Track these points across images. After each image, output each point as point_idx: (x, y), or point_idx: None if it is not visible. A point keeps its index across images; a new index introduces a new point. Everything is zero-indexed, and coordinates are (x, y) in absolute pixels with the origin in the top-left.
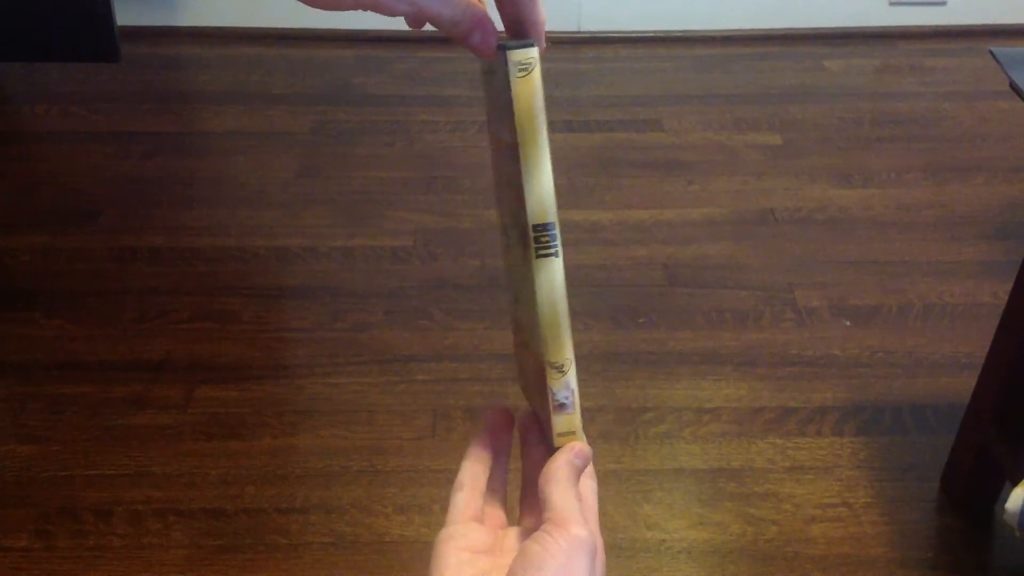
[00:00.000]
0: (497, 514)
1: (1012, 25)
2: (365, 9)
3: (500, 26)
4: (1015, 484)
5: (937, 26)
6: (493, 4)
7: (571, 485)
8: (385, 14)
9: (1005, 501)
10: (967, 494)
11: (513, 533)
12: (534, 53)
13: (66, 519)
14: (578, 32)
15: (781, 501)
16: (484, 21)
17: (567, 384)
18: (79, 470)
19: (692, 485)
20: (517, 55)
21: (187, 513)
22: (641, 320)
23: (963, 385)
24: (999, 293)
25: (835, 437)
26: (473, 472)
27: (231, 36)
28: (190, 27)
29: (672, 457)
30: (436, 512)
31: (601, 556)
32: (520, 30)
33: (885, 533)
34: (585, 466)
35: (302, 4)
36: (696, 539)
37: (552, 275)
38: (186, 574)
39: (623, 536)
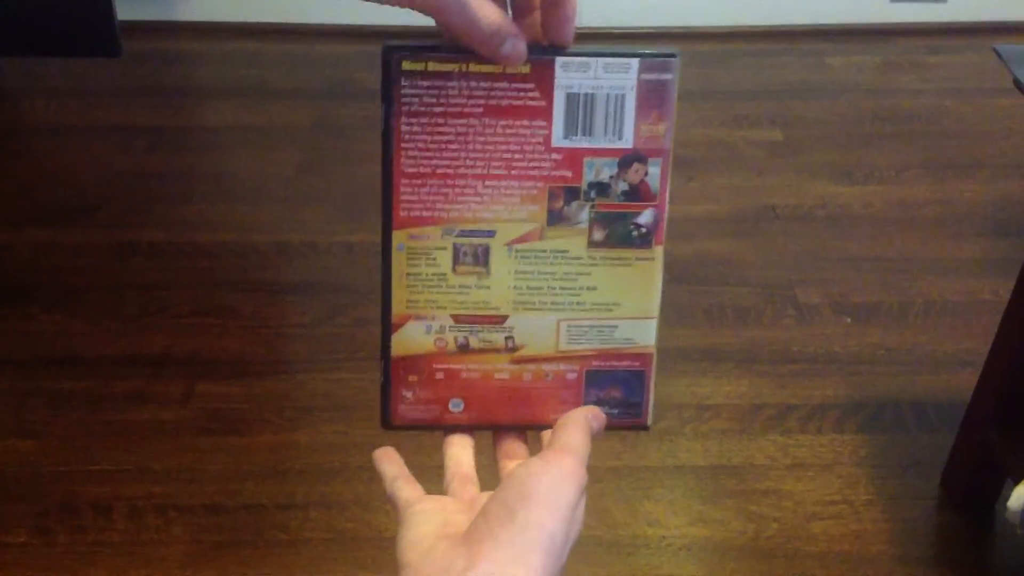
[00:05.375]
0: (464, 481)
1: (1013, 22)
2: (403, 4)
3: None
4: (1016, 482)
5: (938, 23)
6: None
7: (586, 430)
8: (427, 7)
9: (1006, 499)
10: (968, 492)
11: (487, 496)
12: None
13: (66, 514)
14: (578, 28)
15: (782, 498)
16: (518, 29)
17: None
18: (79, 465)
19: (693, 482)
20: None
21: (187, 509)
22: None
23: (964, 382)
24: (1000, 291)
25: (836, 434)
26: (397, 468)
27: (231, 31)
28: (190, 22)
29: (673, 454)
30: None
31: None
32: (551, 8)
33: (886, 530)
34: (599, 430)
35: None
36: (697, 536)
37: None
38: (186, 569)
39: (624, 533)
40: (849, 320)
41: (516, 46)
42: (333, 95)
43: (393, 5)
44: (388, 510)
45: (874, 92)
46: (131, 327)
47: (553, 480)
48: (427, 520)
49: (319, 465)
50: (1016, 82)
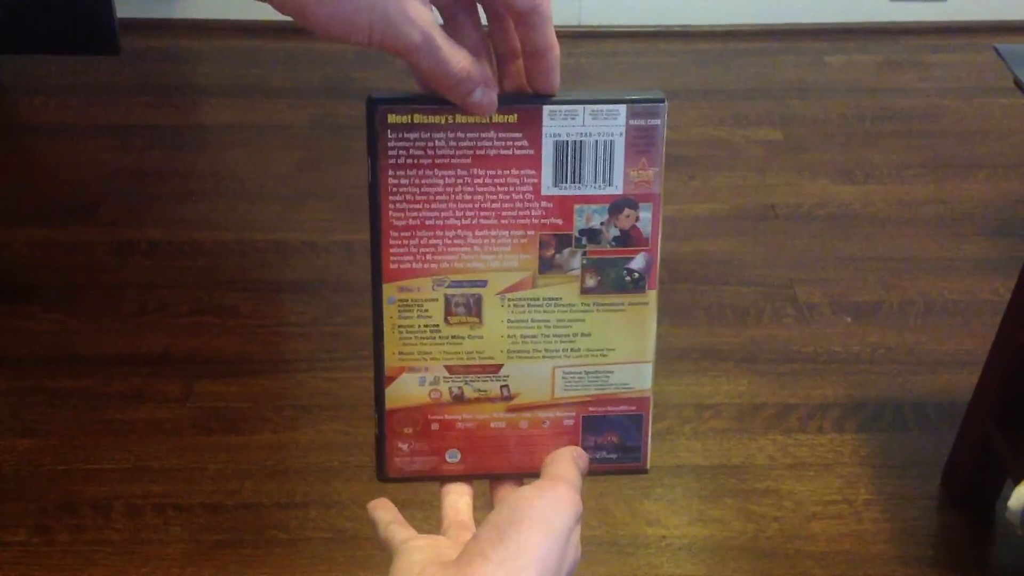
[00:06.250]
0: (461, 528)
1: (1013, 21)
2: (373, 45)
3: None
4: (1017, 482)
5: (938, 22)
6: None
7: (574, 465)
8: (395, 48)
9: (1006, 499)
10: (968, 491)
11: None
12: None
13: (65, 513)
14: (578, 26)
15: (782, 498)
16: (491, 78)
17: None
18: (78, 464)
19: (693, 481)
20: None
21: (186, 508)
22: None
23: (964, 382)
24: (1000, 290)
25: (836, 434)
26: (391, 515)
27: (231, 29)
28: (189, 20)
29: (673, 453)
30: (436, 508)
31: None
32: (533, 58)
33: (886, 530)
34: (583, 469)
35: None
36: (697, 535)
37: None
38: (185, 569)
39: (624, 533)
40: (849, 319)
41: (486, 95)
42: (332, 94)
43: (364, 46)
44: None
45: (874, 91)
46: (130, 326)
47: (546, 504)
48: (419, 551)
49: (319, 464)
50: (1017, 81)
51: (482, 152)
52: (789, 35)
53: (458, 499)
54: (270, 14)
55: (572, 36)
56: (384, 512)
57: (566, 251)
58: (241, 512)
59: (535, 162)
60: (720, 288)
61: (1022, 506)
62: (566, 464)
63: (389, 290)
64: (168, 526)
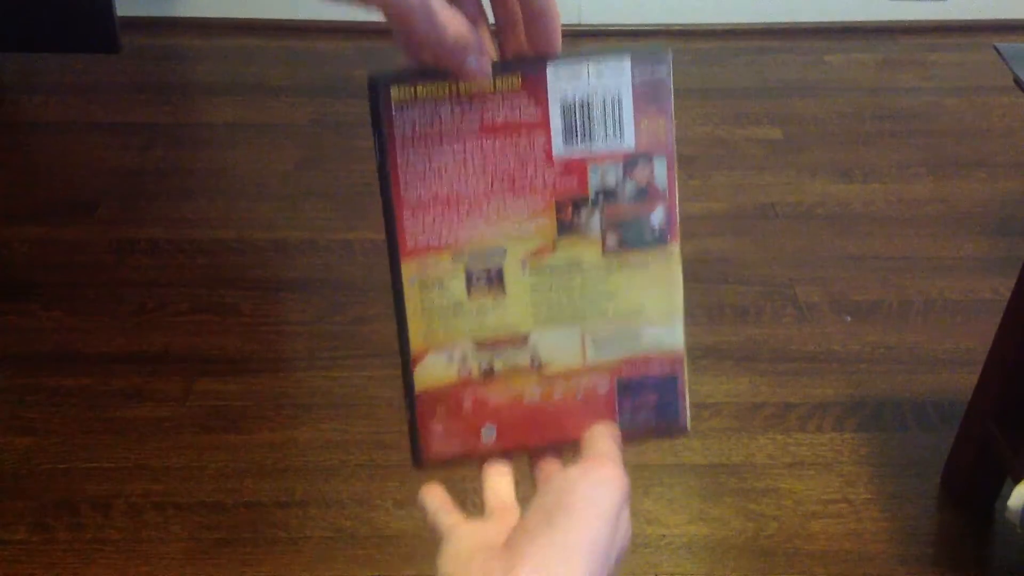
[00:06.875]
0: (505, 511)
1: (1013, 20)
2: (369, 4)
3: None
4: (1016, 481)
5: (939, 21)
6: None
7: (613, 441)
8: (391, 9)
9: (1006, 498)
10: (968, 491)
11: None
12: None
13: (64, 512)
14: (579, 24)
15: (781, 497)
16: (486, 45)
17: None
18: (78, 463)
19: (692, 480)
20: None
21: (186, 506)
22: None
23: (964, 381)
24: (1000, 289)
25: (835, 433)
26: (440, 501)
27: (231, 27)
28: (189, 18)
29: (672, 452)
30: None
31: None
32: (534, 22)
33: (886, 529)
34: (619, 446)
35: None
36: (696, 534)
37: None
38: (185, 567)
39: None
40: (849, 319)
41: (481, 62)
42: (332, 92)
43: (357, 5)
44: (388, 508)
45: (874, 90)
46: (130, 324)
47: (592, 485)
48: (468, 536)
49: (318, 463)
50: (1017, 80)
51: (489, 120)
52: (789, 34)
53: (498, 480)
54: (270, 12)
55: (573, 35)
56: (433, 499)
57: (583, 212)
58: (241, 511)
59: (543, 125)
60: (720, 287)
61: (1022, 505)
62: (606, 441)
63: (408, 270)
64: (168, 525)
